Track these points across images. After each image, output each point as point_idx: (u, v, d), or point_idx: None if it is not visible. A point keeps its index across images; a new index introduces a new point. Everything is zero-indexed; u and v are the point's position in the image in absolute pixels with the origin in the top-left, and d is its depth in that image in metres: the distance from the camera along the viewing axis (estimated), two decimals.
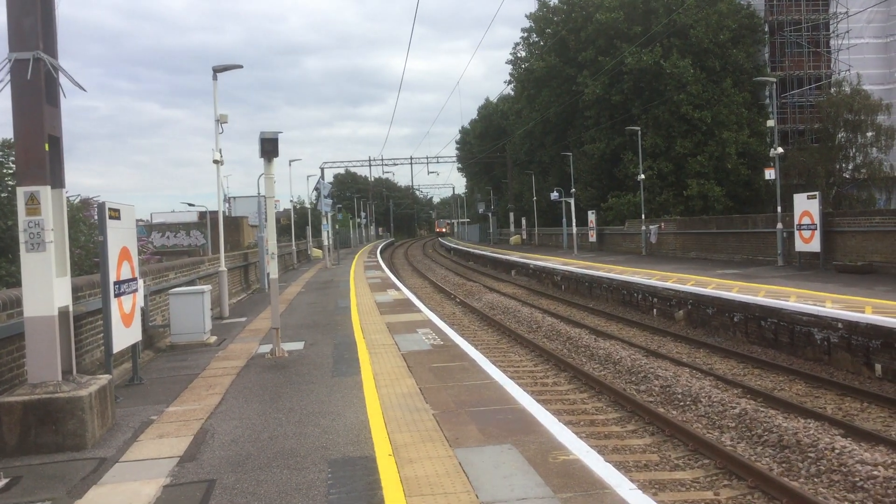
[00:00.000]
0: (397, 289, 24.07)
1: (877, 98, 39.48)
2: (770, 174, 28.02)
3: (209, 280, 18.58)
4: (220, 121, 18.75)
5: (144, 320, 12.95)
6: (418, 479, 5.78)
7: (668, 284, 20.96)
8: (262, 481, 5.97)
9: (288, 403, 8.62)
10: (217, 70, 19.05)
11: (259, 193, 30.53)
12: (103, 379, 7.95)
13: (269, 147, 11.64)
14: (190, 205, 63.25)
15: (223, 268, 18.74)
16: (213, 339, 14.13)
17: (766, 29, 48.01)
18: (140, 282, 11.01)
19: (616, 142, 47.91)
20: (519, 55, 63.42)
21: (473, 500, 5.32)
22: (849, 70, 43.98)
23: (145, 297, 12.83)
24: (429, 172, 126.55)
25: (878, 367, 12.67)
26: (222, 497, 5.69)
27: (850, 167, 39.44)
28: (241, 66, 19.69)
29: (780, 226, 25.81)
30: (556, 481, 5.62)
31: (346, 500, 5.45)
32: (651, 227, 38.09)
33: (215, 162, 18.95)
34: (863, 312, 13.53)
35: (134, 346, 10.48)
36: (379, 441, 6.87)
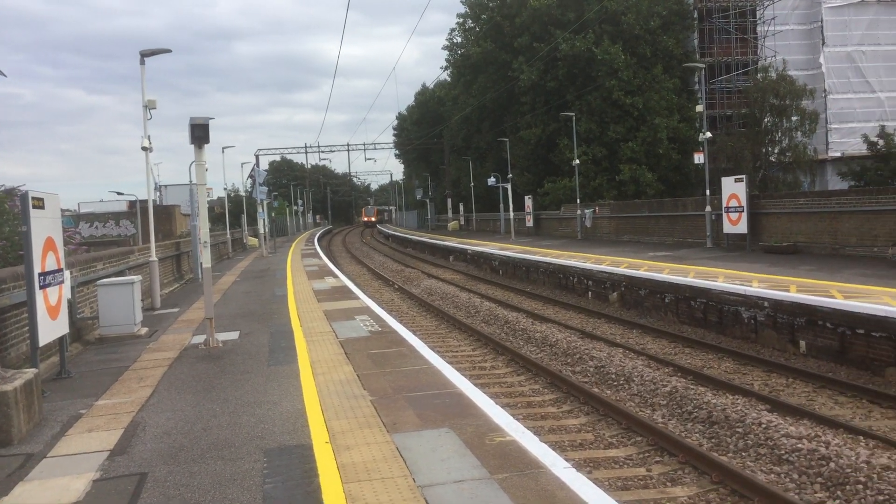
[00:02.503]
0: (335, 276, 23.91)
1: (801, 83, 40.69)
2: (699, 158, 28.72)
3: (140, 270, 18.14)
4: (149, 106, 18.27)
5: (72, 312, 12.59)
6: (355, 466, 5.77)
7: (603, 267, 21.33)
8: (196, 473, 5.88)
9: (222, 394, 8.49)
10: (145, 54, 18.52)
11: (191, 181, 29.84)
12: (29, 373, 7.70)
13: (199, 133, 11.38)
14: (119, 193, 61.49)
15: (154, 258, 18.31)
16: (145, 330, 13.82)
17: (695, 16, 48.96)
18: (66, 273, 10.68)
19: (551, 127, 48.39)
20: (455, 41, 63.37)
21: (410, 484, 5.34)
22: (774, 56, 45.22)
23: (72, 288, 12.48)
24: (366, 159, 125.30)
25: (802, 343, 13.16)
26: (154, 490, 5.59)
27: (775, 151, 40.56)
28: (169, 51, 19.21)
29: (708, 209, 26.49)
30: (493, 462, 5.69)
31: (281, 489, 5.41)
32: (586, 211, 38.67)
33: (144, 149, 18.45)
34: (787, 291, 14.01)
35: (61, 339, 10.18)
36: (316, 429, 6.83)
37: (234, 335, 12.78)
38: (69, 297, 11.06)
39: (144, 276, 17.85)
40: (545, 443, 6.41)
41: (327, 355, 10.47)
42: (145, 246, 20.22)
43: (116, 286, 13.47)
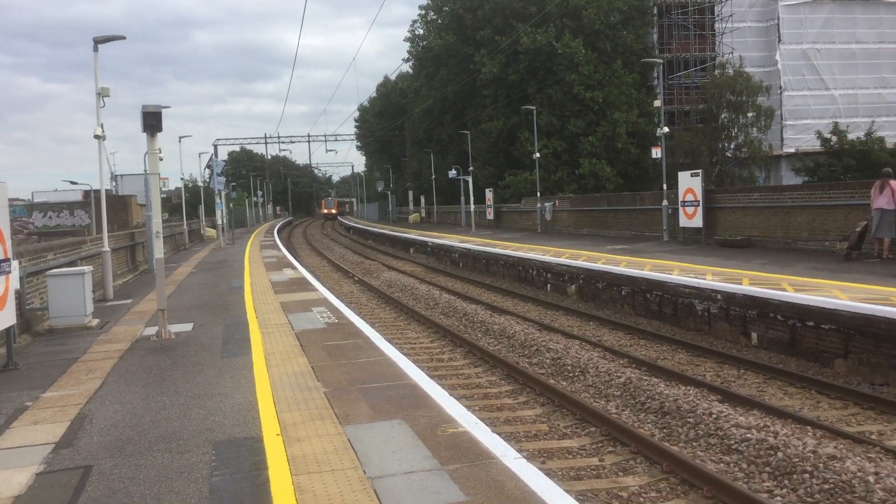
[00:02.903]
0: (293, 268, 23.71)
1: (757, 80, 41.34)
2: (657, 153, 29.03)
3: (92, 261, 17.78)
4: (102, 94, 17.93)
5: (20, 303, 12.30)
6: (306, 458, 5.72)
7: (562, 260, 21.47)
8: (142, 466, 5.77)
9: (173, 386, 8.36)
10: (98, 41, 18.14)
11: (146, 171, 29.32)
12: None
13: (152, 121, 11.17)
14: (73, 183, 60.19)
15: (106, 248, 17.95)
16: (96, 321, 13.55)
17: (655, 11, 49.46)
18: (14, 263, 10.42)
19: (513, 121, 48.53)
20: (417, 33, 63.17)
21: (361, 475, 5.31)
22: (732, 53, 45.87)
23: (21, 278, 12.18)
24: (327, 150, 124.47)
25: (754, 335, 13.39)
26: (99, 483, 5.47)
27: (732, 146, 41.20)
28: (123, 38, 18.83)
29: (665, 203, 26.80)
30: (444, 454, 5.68)
31: (229, 481, 5.34)
32: (546, 204, 38.87)
33: (97, 137, 18.10)
34: (740, 284, 14.23)
35: (8, 330, 9.95)
36: (267, 421, 6.76)
37: (187, 327, 12.60)
38: (17, 287, 10.79)
39: (97, 267, 17.52)
40: (497, 434, 6.42)
41: (282, 347, 10.37)
42: (98, 236, 19.83)
43: (67, 277, 13.19)
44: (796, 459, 7.30)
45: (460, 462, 5.48)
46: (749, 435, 8.03)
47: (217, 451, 6.01)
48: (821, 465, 7.12)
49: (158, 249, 12.10)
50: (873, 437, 8.45)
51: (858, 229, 17.31)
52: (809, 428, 8.67)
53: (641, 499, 7.04)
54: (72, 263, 15.73)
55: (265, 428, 6.54)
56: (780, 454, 7.48)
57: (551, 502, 4.72)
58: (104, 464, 5.89)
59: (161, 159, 12.46)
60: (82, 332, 12.68)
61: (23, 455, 6.23)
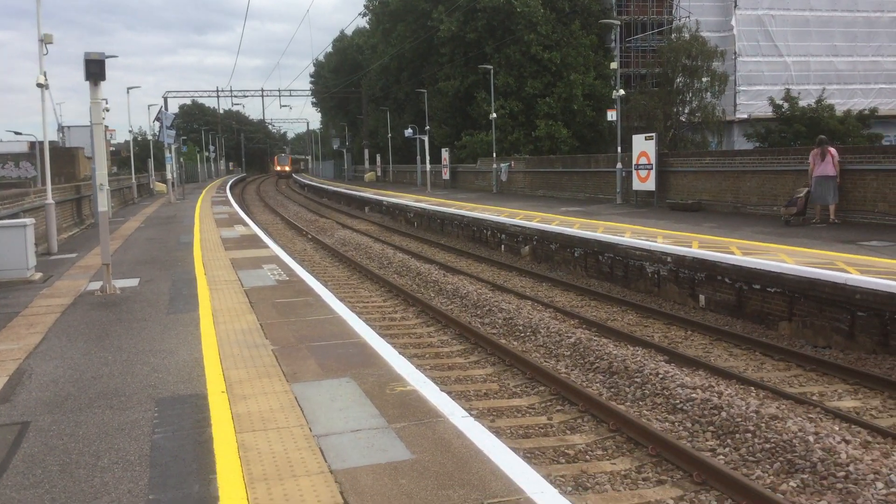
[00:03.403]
0: (245, 224, 23.35)
1: (713, 45, 41.50)
2: (612, 116, 29.08)
3: (36, 214, 17.25)
4: (45, 41, 17.21)
5: None
6: (251, 416, 5.63)
7: (516, 221, 21.49)
8: (82, 422, 5.63)
9: (116, 342, 8.16)
10: None
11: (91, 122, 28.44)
12: None
13: (95, 69, 10.75)
14: (17, 133, 58.19)
15: (50, 200, 17.41)
16: (38, 275, 13.17)
17: None
18: None
19: (470, 80, 48.11)
20: None
21: (307, 433, 5.24)
22: (688, 17, 45.93)
23: None
24: (281, 106, 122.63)
25: (701, 297, 13.60)
26: (36, 440, 5.32)
27: (686, 111, 41.46)
28: None
29: (619, 165, 26.93)
30: (392, 412, 5.64)
31: (171, 438, 5.23)
32: (502, 165, 38.82)
33: (40, 85, 17.45)
34: (689, 247, 14.41)
35: None
36: (212, 378, 6.64)
37: (133, 282, 12.32)
38: None
39: (40, 220, 17.00)
40: (447, 393, 6.42)
41: (230, 304, 10.20)
42: (42, 188, 19.22)
43: (7, 229, 12.77)
44: (739, 419, 7.45)
45: (408, 420, 5.45)
46: (694, 395, 8.16)
47: (160, 409, 5.88)
48: (763, 424, 7.27)
49: (103, 202, 11.75)
50: (814, 398, 8.66)
51: (802, 195, 17.62)
52: (753, 388, 8.85)
53: (588, 457, 7.12)
54: (14, 216, 15.23)
55: (210, 385, 6.43)
56: (723, 414, 7.62)
57: (496, 460, 4.72)
58: (42, 420, 5.73)
59: (107, 110, 12.06)
60: (24, 286, 12.31)
61: None
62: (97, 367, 7.16)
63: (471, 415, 5.67)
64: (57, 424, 5.61)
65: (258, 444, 5.06)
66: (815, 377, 9.64)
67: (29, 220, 13.38)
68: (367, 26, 68.12)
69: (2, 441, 5.32)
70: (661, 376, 8.85)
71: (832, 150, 17.37)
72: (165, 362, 7.26)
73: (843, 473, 6.21)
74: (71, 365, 7.29)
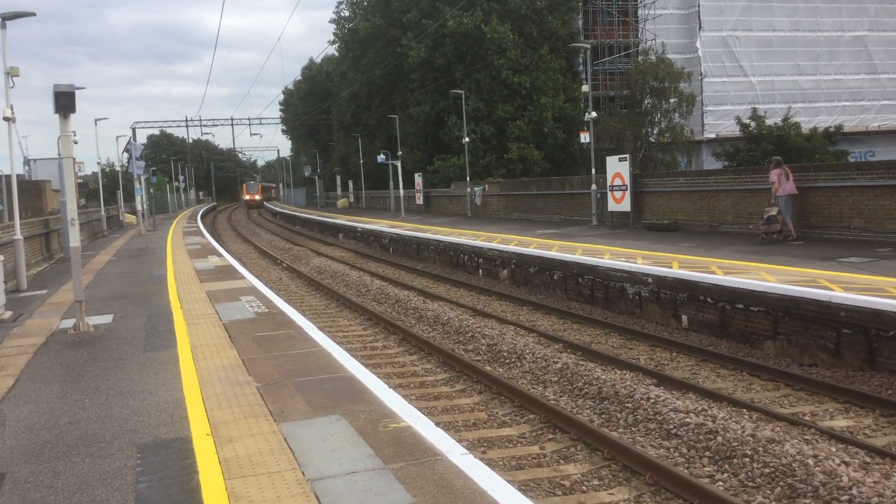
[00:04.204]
0: (219, 255, 23.00)
1: (679, 66, 42.05)
2: (585, 137, 29.24)
3: (4, 250, 16.80)
4: (11, 73, 16.94)
5: None
6: (239, 459, 5.39)
7: (493, 245, 21.39)
8: (61, 472, 5.34)
9: (93, 383, 7.86)
10: (6, 17, 17.09)
11: (59, 154, 28.02)
12: None
13: (64, 101, 10.49)
14: None
15: (18, 236, 17.02)
16: (8, 314, 12.78)
17: None
18: None
19: (441, 105, 48.24)
20: (342, 14, 62.16)
21: (300, 477, 5.02)
22: (654, 39, 46.54)
23: None
24: (251, 134, 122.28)
25: (684, 318, 13.54)
26: (13, 493, 5.04)
27: (655, 132, 41.87)
28: (33, 14, 17.76)
29: (594, 187, 27.02)
30: (387, 451, 5.43)
31: (156, 487, 4.97)
32: (476, 188, 38.82)
33: (6, 119, 17.13)
34: (670, 267, 14.38)
35: None
36: (196, 420, 6.38)
37: (107, 319, 11.98)
38: None
39: (8, 256, 16.57)
40: (440, 427, 6.22)
41: (210, 339, 9.92)
42: (9, 223, 18.78)
43: None
44: (735, 443, 7.33)
45: (405, 460, 5.24)
46: (688, 419, 8.04)
47: (142, 455, 5.61)
48: (760, 448, 7.16)
49: (74, 237, 11.43)
50: (807, 418, 8.59)
51: (775, 213, 17.82)
52: (745, 411, 8.76)
53: (584, 487, 6.95)
54: None
55: (194, 428, 6.16)
56: (719, 438, 7.51)
57: (501, 501, 4.53)
58: (18, 471, 5.44)
59: (76, 142, 11.79)
60: None
61: None
62: (74, 411, 6.86)
63: (469, 451, 5.46)
64: (34, 475, 5.32)
65: (249, 491, 4.82)
66: (804, 397, 9.58)
67: None
68: (337, 53, 68.14)
69: None
70: (652, 401, 8.73)
71: (788, 168, 18.12)
72: (145, 404, 6.98)
73: (846, 497, 6.10)
74: (46, 409, 6.99)
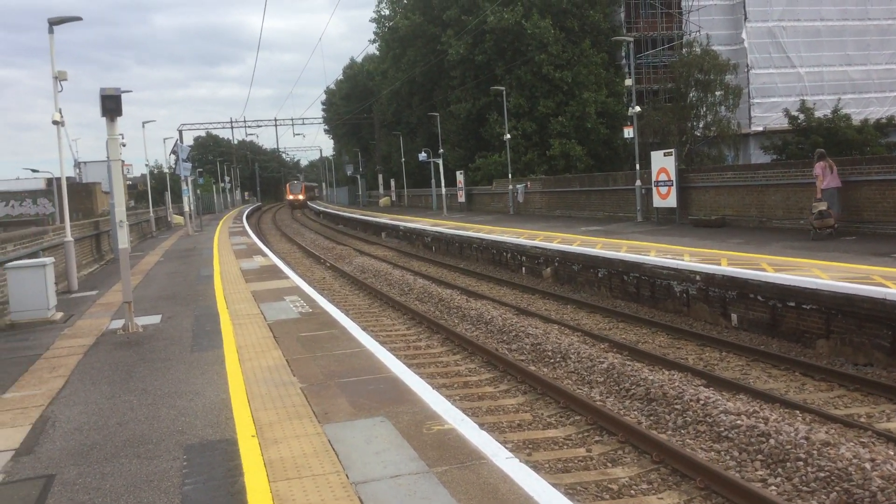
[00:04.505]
0: (264, 255, 23.23)
1: (725, 58, 41.22)
2: (629, 132, 28.84)
3: (55, 251, 17.19)
4: (59, 78, 17.26)
5: None
6: (284, 462, 5.38)
7: (536, 243, 21.23)
8: (108, 474, 5.40)
9: (141, 384, 7.96)
10: (53, 22, 17.44)
11: (108, 157, 28.58)
12: None
13: (111, 105, 10.66)
14: (34, 171, 58.70)
15: (69, 238, 17.37)
16: (59, 315, 13.04)
17: None
18: None
19: (482, 102, 48.07)
20: (383, 13, 62.34)
21: (343, 481, 4.99)
22: (699, 31, 45.74)
23: None
24: (294, 134, 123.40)
25: (734, 316, 13.25)
26: (62, 494, 5.10)
27: (700, 125, 41.11)
28: (80, 18, 18.12)
29: (638, 183, 26.65)
30: (432, 454, 5.38)
31: (202, 490, 4.99)
32: (518, 186, 38.60)
33: (55, 122, 17.47)
34: (719, 265, 14.08)
35: None
36: (241, 421, 6.41)
37: (155, 319, 12.15)
38: None
39: (59, 258, 16.93)
40: (485, 428, 6.15)
41: (255, 339, 9.99)
42: (61, 226, 19.20)
43: (27, 269, 12.68)
44: (789, 446, 7.13)
45: (449, 463, 5.18)
46: (739, 421, 7.84)
47: (188, 456, 5.65)
48: (814, 451, 6.95)
49: (123, 239, 11.61)
50: (862, 420, 8.32)
51: (825, 207, 17.37)
52: (798, 412, 8.50)
53: (633, 491, 6.82)
54: (33, 255, 15.18)
55: (239, 429, 6.19)
56: (772, 441, 7.30)
57: None
58: (68, 472, 5.51)
59: (123, 145, 11.97)
60: (45, 327, 12.19)
61: None
62: (122, 412, 6.95)
63: (514, 454, 5.38)
64: (83, 477, 5.38)
65: (293, 493, 4.81)
66: (859, 398, 9.29)
67: (48, 260, 13.27)
68: (377, 52, 68.38)
69: (27, 496, 5.10)
70: (702, 402, 8.54)
71: (831, 161, 17.92)
72: (192, 405, 7.04)
73: None
74: (95, 410, 7.09)
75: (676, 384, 9.29)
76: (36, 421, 6.89)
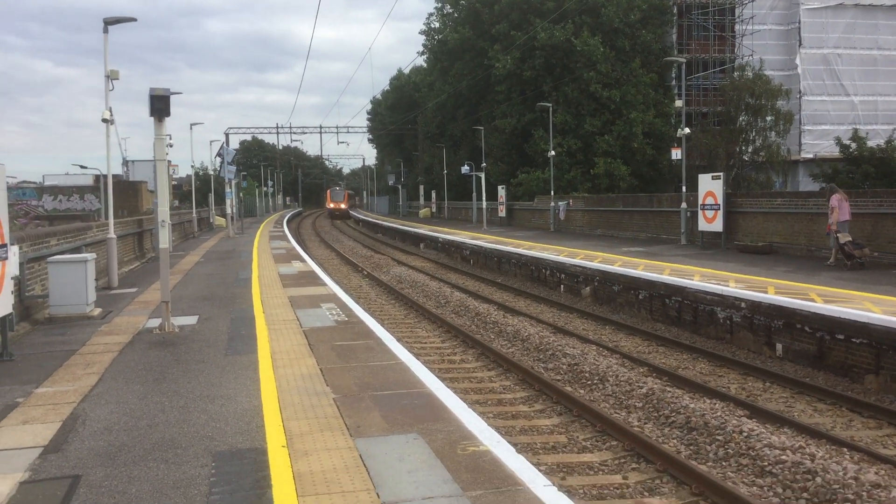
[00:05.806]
0: (302, 260, 23.27)
1: (777, 83, 40.55)
2: (676, 154, 28.41)
3: (98, 247, 17.38)
4: (111, 77, 17.49)
5: (20, 290, 11.90)
6: (313, 475, 5.24)
7: (576, 261, 20.94)
8: (135, 478, 5.30)
9: (173, 386, 7.90)
10: (108, 22, 17.69)
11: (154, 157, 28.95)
12: None
13: (159, 105, 10.71)
14: (82, 167, 59.91)
15: (112, 234, 17.54)
16: (98, 311, 13.12)
17: (675, 11, 48.69)
18: (13, 248, 10.00)
19: (527, 118, 47.88)
20: (433, 26, 62.55)
21: (374, 499, 4.82)
22: (752, 55, 45.08)
23: (21, 264, 11.74)
24: (338, 142, 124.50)
25: (779, 346, 12.85)
26: (87, 497, 5.01)
27: (749, 150, 40.44)
28: (134, 20, 18.37)
29: (684, 205, 26.22)
30: (466, 477, 5.19)
31: (228, 501, 4.85)
32: (560, 203, 38.28)
33: (105, 120, 17.67)
34: (765, 292, 13.69)
35: (3, 319, 9.49)
36: (272, 430, 6.28)
37: (192, 320, 12.15)
38: (16, 273, 10.34)
39: (101, 254, 17.11)
40: (520, 450, 5.94)
41: (289, 346, 9.90)
42: (104, 222, 19.43)
43: (68, 264, 12.77)
44: (836, 486, 6.81)
45: (484, 488, 4.98)
46: (784, 457, 7.53)
47: (217, 464, 5.53)
48: (864, 493, 6.63)
49: (164, 239, 11.64)
50: None
51: (850, 238, 17.26)
52: (846, 450, 8.14)
53: None
54: (76, 250, 15.33)
55: (270, 438, 6.06)
56: (818, 479, 6.98)
57: None
58: (94, 474, 5.42)
59: (171, 145, 12.04)
60: (83, 322, 12.25)
61: (9, 459, 5.78)
62: (153, 414, 6.87)
63: (551, 482, 5.16)
64: (109, 480, 5.29)
65: None
66: None
67: (90, 256, 13.38)
68: (425, 65, 68.63)
69: (51, 497, 5.02)
70: (745, 434, 8.22)
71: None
72: (223, 410, 6.94)
73: None
74: (126, 410, 7.03)
75: (718, 413, 8.98)
76: (66, 418, 6.85)
